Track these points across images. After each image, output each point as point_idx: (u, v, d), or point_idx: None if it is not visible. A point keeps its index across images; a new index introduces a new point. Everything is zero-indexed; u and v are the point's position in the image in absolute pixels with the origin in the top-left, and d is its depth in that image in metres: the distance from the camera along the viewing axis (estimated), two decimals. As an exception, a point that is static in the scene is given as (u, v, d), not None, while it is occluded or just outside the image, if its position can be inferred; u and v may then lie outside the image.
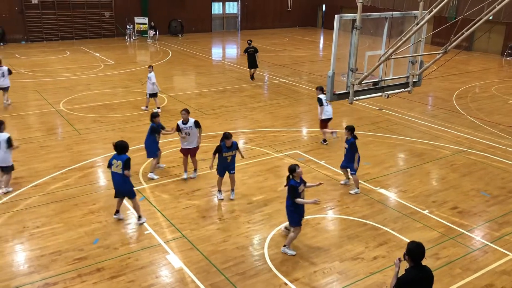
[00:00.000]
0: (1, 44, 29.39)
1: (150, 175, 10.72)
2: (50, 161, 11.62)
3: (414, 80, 8.80)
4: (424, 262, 5.21)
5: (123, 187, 8.61)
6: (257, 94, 18.81)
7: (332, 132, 12.94)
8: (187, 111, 10.28)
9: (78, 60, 24.78)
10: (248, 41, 20.42)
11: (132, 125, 14.44)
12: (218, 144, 9.48)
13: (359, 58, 7.86)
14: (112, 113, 15.52)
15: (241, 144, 13.18)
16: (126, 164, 8.35)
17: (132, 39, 32.63)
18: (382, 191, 10.33)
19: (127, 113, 15.71)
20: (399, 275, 5.18)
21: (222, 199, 9.79)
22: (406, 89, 8.79)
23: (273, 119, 15.29)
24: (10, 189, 10.00)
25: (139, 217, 8.89)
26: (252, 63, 20.16)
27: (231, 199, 9.79)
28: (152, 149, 10.67)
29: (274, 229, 8.71)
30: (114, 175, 8.53)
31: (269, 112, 15.99)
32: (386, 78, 8.52)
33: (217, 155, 9.47)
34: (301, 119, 15.52)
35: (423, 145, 13.18)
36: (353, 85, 7.95)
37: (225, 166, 9.61)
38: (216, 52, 30.50)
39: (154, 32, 33.06)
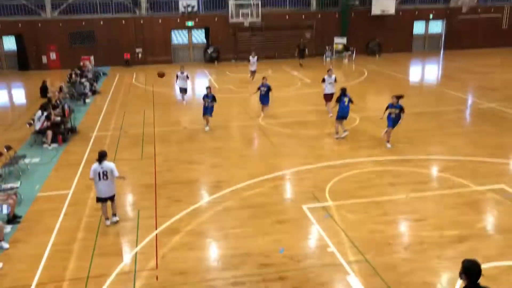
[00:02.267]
0: (216, 63, 33.63)
1: None
2: (247, 169, 12.73)
3: None
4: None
5: None
6: (459, 119, 17.38)
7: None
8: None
9: (279, 78, 26.64)
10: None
11: (322, 142, 14.88)
12: None
13: None
14: (304, 130, 16.21)
15: (434, 171, 12.32)
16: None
17: (329, 59, 33.69)
18: None
19: (317, 130, 16.22)
20: None
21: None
22: None
23: (475, 147, 13.88)
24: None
25: None
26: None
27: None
28: None
29: (469, 270, 7.85)
30: None
31: (471, 140, 14.57)
32: None
33: None
34: (511, 151, 13.72)
35: None
36: None
37: None
38: (415, 73, 29.28)
39: (350, 52, 33.55)
